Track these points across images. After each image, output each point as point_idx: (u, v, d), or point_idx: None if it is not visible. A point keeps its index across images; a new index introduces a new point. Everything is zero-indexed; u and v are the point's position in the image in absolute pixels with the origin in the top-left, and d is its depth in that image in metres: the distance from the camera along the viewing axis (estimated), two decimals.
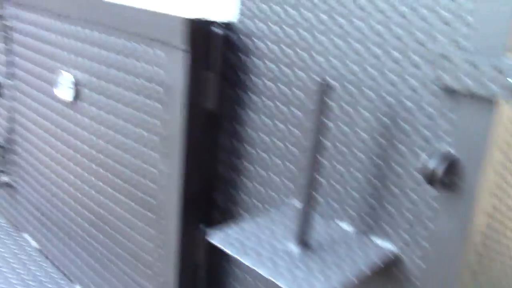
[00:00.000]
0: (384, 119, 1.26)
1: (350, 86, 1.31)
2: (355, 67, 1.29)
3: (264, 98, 1.50)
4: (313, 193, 1.25)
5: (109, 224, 1.93)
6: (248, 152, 1.57)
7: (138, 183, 1.75)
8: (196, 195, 1.62)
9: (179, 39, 1.47)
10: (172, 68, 1.52)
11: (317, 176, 1.25)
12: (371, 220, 1.32)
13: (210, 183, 1.65)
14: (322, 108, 1.19)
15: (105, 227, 1.95)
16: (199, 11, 1.62)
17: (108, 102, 1.80)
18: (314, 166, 1.23)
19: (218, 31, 1.50)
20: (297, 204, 1.46)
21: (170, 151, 1.58)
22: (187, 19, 1.45)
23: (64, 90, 1.99)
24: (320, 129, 1.20)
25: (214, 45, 1.50)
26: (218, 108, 1.56)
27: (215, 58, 1.51)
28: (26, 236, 2.44)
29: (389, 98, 1.24)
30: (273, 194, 1.53)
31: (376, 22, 1.23)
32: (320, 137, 1.21)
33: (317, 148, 1.21)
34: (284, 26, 1.42)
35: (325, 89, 1.18)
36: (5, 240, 2.40)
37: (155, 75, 1.59)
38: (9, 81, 2.35)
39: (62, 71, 1.99)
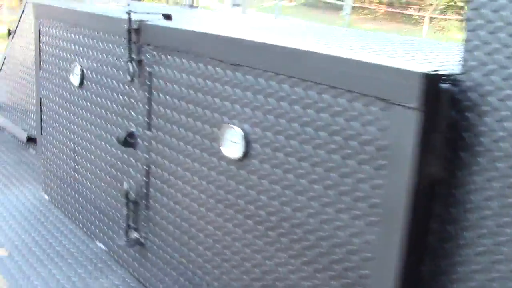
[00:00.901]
0: None
1: None
2: None
3: (498, 163, 1.31)
4: None
5: None
6: (469, 221, 1.38)
7: (329, 253, 1.56)
8: (406, 268, 1.43)
9: (408, 96, 1.31)
10: (394, 128, 1.35)
11: None
12: None
13: (420, 254, 1.46)
14: None
15: None
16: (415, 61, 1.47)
17: (287, 160, 1.64)
18: None
19: (446, 86, 1.34)
20: None
21: (382, 220, 1.41)
22: (420, 73, 1.29)
23: (226, 145, 1.84)
24: None
25: (442, 102, 1.34)
26: (440, 173, 1.38)
27: (443, 117, 1.34)
28: None
29: None
30: (503, 268, 1.33)
31: None
32: None
33: None
34: None
35: None
36: None
37: (363, 134, 1.42)
38: (147, 131, 2.23)
39: (226, 124, 1.84)
